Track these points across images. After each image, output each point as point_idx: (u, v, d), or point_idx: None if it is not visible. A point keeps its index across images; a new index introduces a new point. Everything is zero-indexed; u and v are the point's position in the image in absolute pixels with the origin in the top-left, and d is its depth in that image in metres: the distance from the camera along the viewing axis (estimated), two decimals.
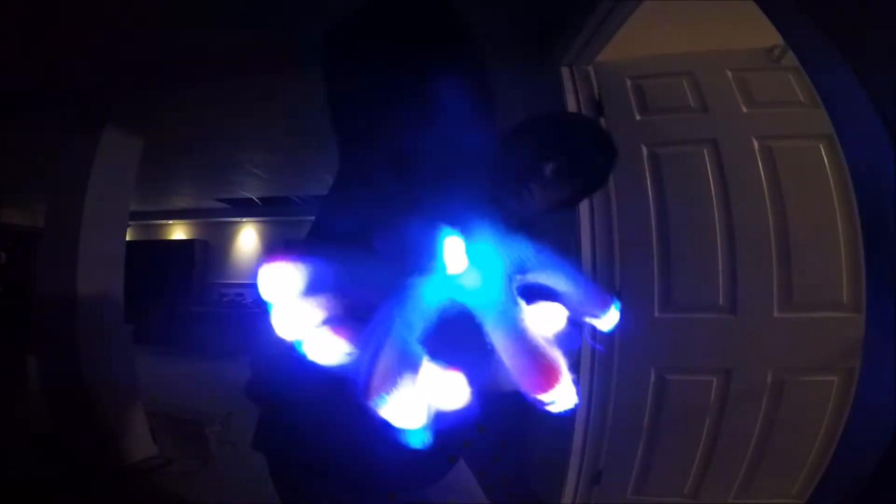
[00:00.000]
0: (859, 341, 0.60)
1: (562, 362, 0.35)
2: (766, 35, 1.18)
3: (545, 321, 0.45)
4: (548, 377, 0.33)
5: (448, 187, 0.47)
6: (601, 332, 0.46)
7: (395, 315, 0.35)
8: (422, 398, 0.34)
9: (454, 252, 0.34)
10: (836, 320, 1.32)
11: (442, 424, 0.36)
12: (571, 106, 1.58)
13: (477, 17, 0.70)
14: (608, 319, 0.52)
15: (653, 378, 1.44)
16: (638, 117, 1.52)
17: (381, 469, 0.49)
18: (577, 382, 0.35)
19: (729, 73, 1.46)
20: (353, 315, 0.39)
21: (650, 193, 1.47)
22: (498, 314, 0.36)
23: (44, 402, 2.19)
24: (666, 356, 1.44)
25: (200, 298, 6.22)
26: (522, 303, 0.39)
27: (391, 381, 0.33)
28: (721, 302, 1.39)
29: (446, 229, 0.34)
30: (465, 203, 0.45)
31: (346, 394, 0.35)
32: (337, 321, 0.39)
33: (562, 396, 0.34)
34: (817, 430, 1.36)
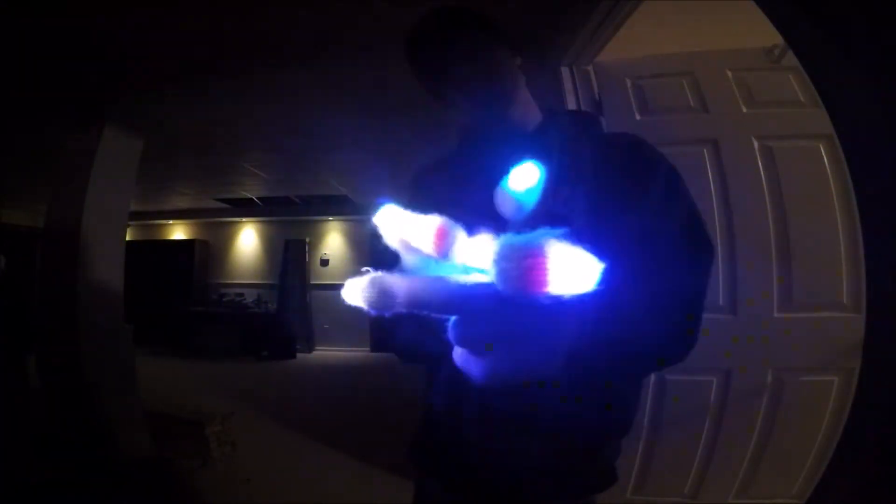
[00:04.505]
0: (859, 341, 0.59)
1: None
2: (766, 35, 1.18)
3: None
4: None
5: None
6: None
7: None
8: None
9: None
10: (836, 320, 1.32)
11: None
12: (571, 106, 1.58)
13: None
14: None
15: (653, 378, 1.44)
16: (638, 117, 1.52)
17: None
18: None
19: (729, 73, 1.46)
20: None
21: None
22: None
23: (44, 401, 2.19)
24: None
25: (200, 298, 6.22)
26: None
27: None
28: (721, 302, 1.39)
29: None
30: None
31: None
32: None
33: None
34: (817, 430, 1.36)
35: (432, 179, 0.74)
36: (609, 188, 0.57)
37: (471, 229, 0.26)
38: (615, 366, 0.49)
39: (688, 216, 0.58)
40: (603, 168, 0.59)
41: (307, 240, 6.22)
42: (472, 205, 0.62)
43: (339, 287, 0.22)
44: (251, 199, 5.60)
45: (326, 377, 4.91)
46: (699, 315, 0.55)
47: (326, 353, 6.02)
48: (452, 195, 0.64)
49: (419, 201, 0.73)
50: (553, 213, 0.54)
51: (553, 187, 0.54)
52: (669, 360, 0.56)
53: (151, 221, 6.57)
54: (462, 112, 0.67)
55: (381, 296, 0.22)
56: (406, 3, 1.35)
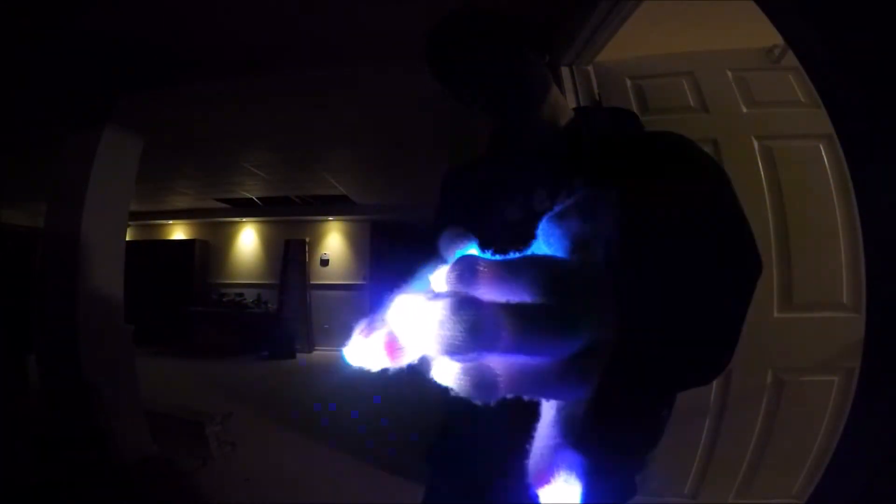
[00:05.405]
0: (859, 341, 0.59)
1: None
2: (766, 35, 1.18)
3: None
4: None
5: None
6: None
7: None
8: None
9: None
10: (836, 320, 1.32)
11: None
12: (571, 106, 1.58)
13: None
14: None
15: None
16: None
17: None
18: None
19: (729, 73, 1.46)
20: None
21: None
22: None
23: (44, 402, 2.19)
24: None
25: (200, 298, 6.21)
26: None
27: None
28: None
29: None
30: None
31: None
32: None
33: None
34: (817, 430, 1.36)
35: (461, 184, 0.72)
36: (646, 192, 0.50)
37: (496, 237, 0.25)
38: (638, 385, 0.47)
39: (734, 226, 0.53)
40: (640, 170, 0.53)
41: (307, 240, 6.22)
42: (501, 211, 0.60)
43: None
44: (251, 199, 5.60)
45: (326, 377, 4.91)
46: (735, 338, 0.50)
47: (326, 353, 6.02)
48: (482, 201, 0.63)
49: (448, 208, 0.71)
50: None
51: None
52: (694, 383, 0.52)
53: (151, 221, 6.57)
54: (489, 115, 0.65)
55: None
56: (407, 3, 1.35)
